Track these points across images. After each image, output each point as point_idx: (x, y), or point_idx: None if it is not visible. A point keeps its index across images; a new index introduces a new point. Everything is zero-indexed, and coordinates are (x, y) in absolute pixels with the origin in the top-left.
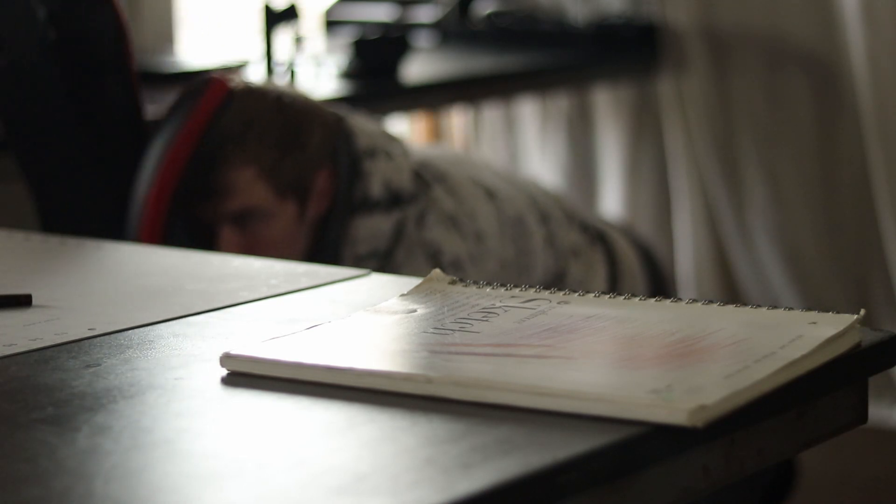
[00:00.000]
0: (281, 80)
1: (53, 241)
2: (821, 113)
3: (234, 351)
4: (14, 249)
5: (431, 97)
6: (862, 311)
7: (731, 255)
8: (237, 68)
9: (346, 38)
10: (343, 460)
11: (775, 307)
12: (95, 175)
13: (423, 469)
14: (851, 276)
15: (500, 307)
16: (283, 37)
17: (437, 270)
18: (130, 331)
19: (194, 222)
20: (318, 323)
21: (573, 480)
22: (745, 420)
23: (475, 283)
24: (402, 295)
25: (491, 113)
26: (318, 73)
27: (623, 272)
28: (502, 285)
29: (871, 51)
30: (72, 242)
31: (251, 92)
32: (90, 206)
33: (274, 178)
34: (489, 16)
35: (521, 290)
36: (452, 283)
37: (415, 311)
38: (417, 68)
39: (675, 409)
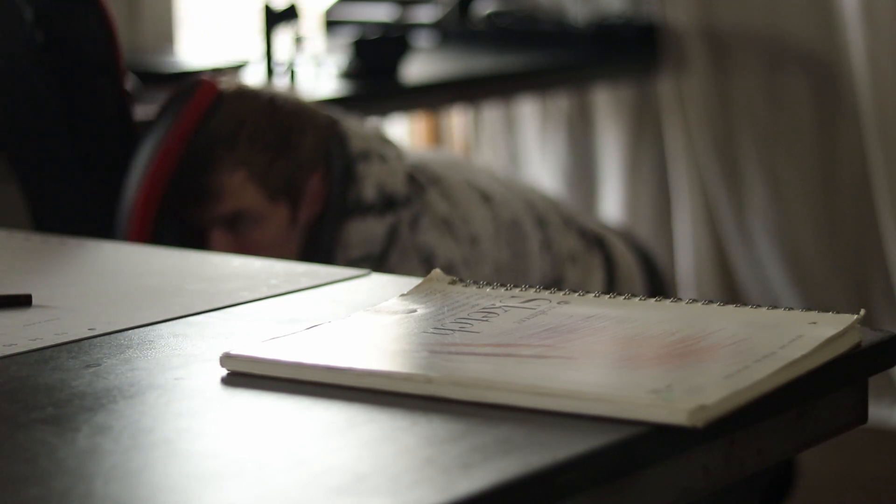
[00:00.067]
0: (276, 82)
1: (53, 241)
2: (821, 113)
3: (234, 351)
4: (14, 249)
5: (431, 97)
6: (862, 311)
7: (731, 255)
8: (237, 68)
9: (346, 38)
10: (343, 460)
11: (775, 307)
12: (85, 177)
13: (423, 469)
14: (851, 276)
15: (500, 307)
16: (283, 37)
17: (437, 270)
18: (130, 331)
19: (185, 225)
20: (318, 323)
21: (573, 480)
22: (745, 420)
23: (475, 283)
24: (402, 295)
25: (491, 113)
26: (318, 73)
27: (621, 277)
28: (502, 285)
29: (871, 51)
30: (72, 242)
31: (243, 94)
32: (80, 208)
33: (265, 181)
34: (489, 16)
35: (521, 291)
36: (452, 283)
37: (415, 311)
38: (417, 68)
39: (675, 409)
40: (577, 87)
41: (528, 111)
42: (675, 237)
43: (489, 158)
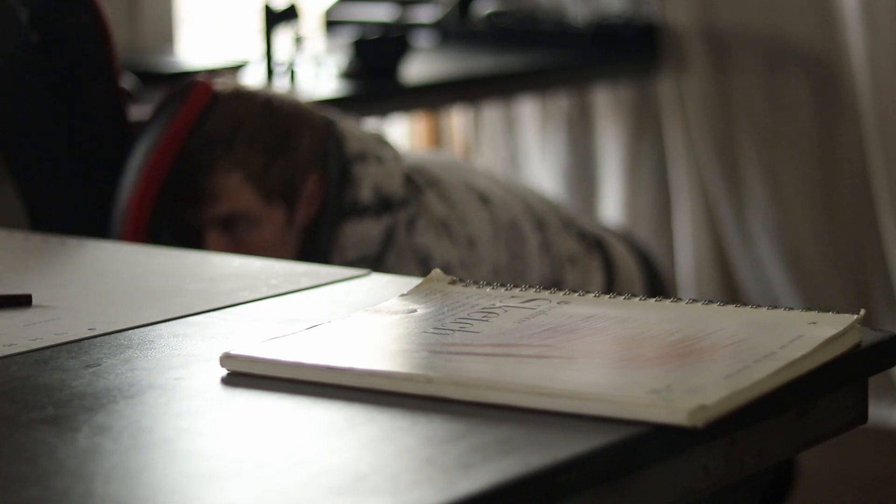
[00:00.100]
0: (276, 82)
1: (53, 241)
2: (821, 113)
3: (234, 351)
4: (14, 249)
5: (431, 97)
6: (862, 311)
7: (731, 255)
8: (237, 68)
9: (346, 38)
10: (343, 460)
11: (775, 307)
12: (80, 177)
13: (423, 469)
14: (851, 276)
15: (500, 307)
16: (283, 37)
17: (437, 270)
18: (130, 331)
19: (181, 226)
20: (318, 323)
21: (573, 480)
22: (745, 420)
23: (475, 283)
24: (402, 295)
25: (491, 113)
26: (318, 73)
27: (621, 280)
28: (502, 285)
29: (871, 51)
30: (72, 242)
31: (239, 95)
32: (75, 209)
33: (261, 183)
34: (489, 16)
35: (521, 290)
36: (452, 283)
37: (415, 311)
38: (417, 68)
39: (675, 409)
40: (577, 87)
41: (528, 111)
42: (675, 237)
43: (489, 158)
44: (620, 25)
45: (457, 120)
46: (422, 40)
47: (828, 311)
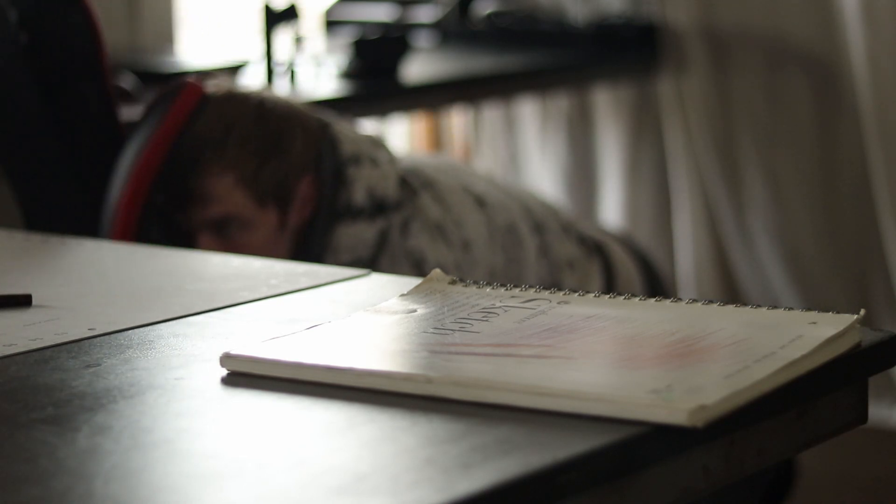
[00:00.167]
0: (272, 84)
1: (53, 241)
2: (821, 113)
3: (234, 351)
4: (14, 249)
5: (431, 97)
6: (862, 311)
7: (731, 255)
8: (237, 68)
9: (346, 38)
10: (343, 460)
11: (775, 307)
12: (72, 178)
13: (423, 469)
14: (851, 276)
15: (500, 307)
16: (283, 37)
17: (437, 271)
18: (130, 331)
19: (173, 229)
20: (318, 323)
21: (573, 480)
22: (745, 420)
23: (475, 283)
24: (402, 295)
25: (491, 113)
26: (318, 73)
27: (620, 285)
28: (502, 285)
29: (871, 51)
30: (72, 242)
31: (232, 97)
32: (67, 209)
33: (254, 186)
34: (489, 16)
35: (521, 291)
36: (452, 283)
37: (415, 311)
38: (417, 68)
39: (675, 409)
40: (577, 87)
41: (528, 111)
42: (675, 237)
43: (489, 158)
44: (620, 25)
45: (457, 120)
46: (422, 40)
47: (828, 311)
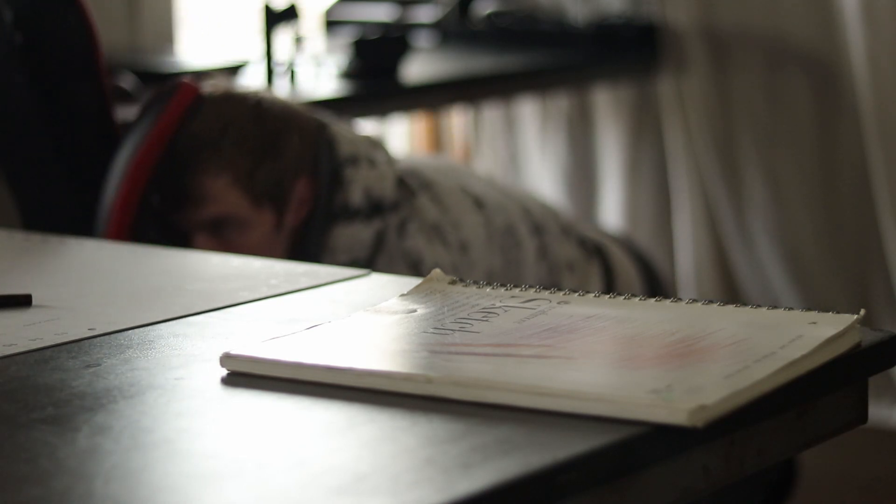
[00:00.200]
0: (272, 84)
1: (53, 241)
2: (821, 113)
3: (234, 351)
4: (14, 249)
5: (431, 97)
6: (862, 311)
7: (731, 255)
8: (237, 68)
9: (346, 38)
10: (343, 460)
11: (775, 307)
12: (67, 179)
13: (423, 469)
14: (851, 276)
15: (500, 307)
16: (283, 37)
17: (437, 270)
18: (130, 331)
19: (169, 229)
20: (318, 323)
21: (573, 480)
22: (745, 420)
23: (475, 283)
24: (402, 295)
25: (491, 113)
26: (318, 73)
27: (620, 287)
28: (502, 285)
29: (871, 51)
30: (72, 242)
31: (229, 97)
32: (64, 210)
33: (249, 186)
34: (489, 16)
35: (522, 291)
36: (452, 283)
37: (415, 311)
38: (417, 68)
39: (675, 409)
40: (577, 87)
41: (528, 111)
42: (675, 237)
43: (489, 158)
44: (620, 25)
45: (457, 120)
46: (422, 40)
47: (828, 311)
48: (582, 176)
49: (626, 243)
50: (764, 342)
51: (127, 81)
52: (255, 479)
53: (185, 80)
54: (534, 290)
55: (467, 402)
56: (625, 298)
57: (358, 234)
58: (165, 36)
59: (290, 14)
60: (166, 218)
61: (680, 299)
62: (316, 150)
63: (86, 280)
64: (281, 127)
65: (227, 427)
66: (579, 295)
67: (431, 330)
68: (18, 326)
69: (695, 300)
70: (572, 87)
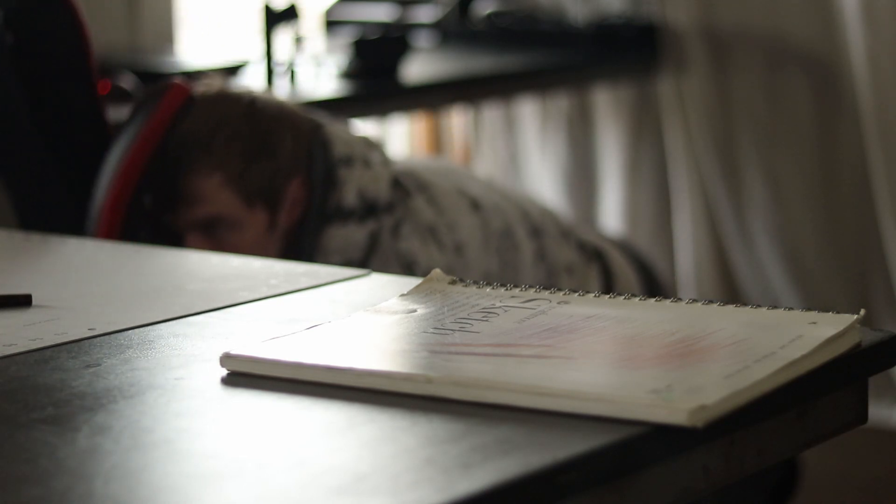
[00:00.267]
0: (271, 84)
1: (53, 241)
2: (821, 113)
3: (234, 351)
4: (14, 249)
5: (431, 97)
6: (862, 311)
7: (731, 255)
8: (237, 68)
9: (346, 38)
10: (343, 460)
11: (775, 307)
12: (59, 179)
13: (423, 469)
14: (851, 276)
15: (500, 307)
16: (283, 37)
17: (437, 270)
18: (130, 331)
19: (161, 229)
20: (318, 323)
21: (573, 480)
22: (745, 420)
23: (475, 283)
24: (402, 295)
25: (491, 113)
26: (318, 73)
27: (619, 291)
28: (502, 285)
29: (871, 51)
30: (72, 242)
31: (223, 97)
32: (57, 210)
33: (242, 186)
34: (489, 16)
35: (521, 291)
36: (452, 283)
37: (415, 311)
38: (417, 68)
39: (675, 409)
40: (577, 87)
41: (528, 111)
42: (675, 237)
43: (489, 158)
44: (620, 25)
45: (457, 120)
46: (422, 40)
47: (828, 311)
48: (582, 176)
49: (626, 247)
50: (764, 342)
51: (127, 81)
52: (255, 479)
53: (177, 80)
54: (534, 290)
55: (467, 402)
56: (625, 298)
57: (352, 235)
58: (165, 36)
59: (290, 14)
60: (158, 218)
61: (680, 299)
62: (310, 151)
63: (86, 280)
64: (274, 127)
65: (227, 427)
66: (579, 295)
67: (431, 330)
68: (18, 326)
69: (695, 300)
70: (572, 87)
